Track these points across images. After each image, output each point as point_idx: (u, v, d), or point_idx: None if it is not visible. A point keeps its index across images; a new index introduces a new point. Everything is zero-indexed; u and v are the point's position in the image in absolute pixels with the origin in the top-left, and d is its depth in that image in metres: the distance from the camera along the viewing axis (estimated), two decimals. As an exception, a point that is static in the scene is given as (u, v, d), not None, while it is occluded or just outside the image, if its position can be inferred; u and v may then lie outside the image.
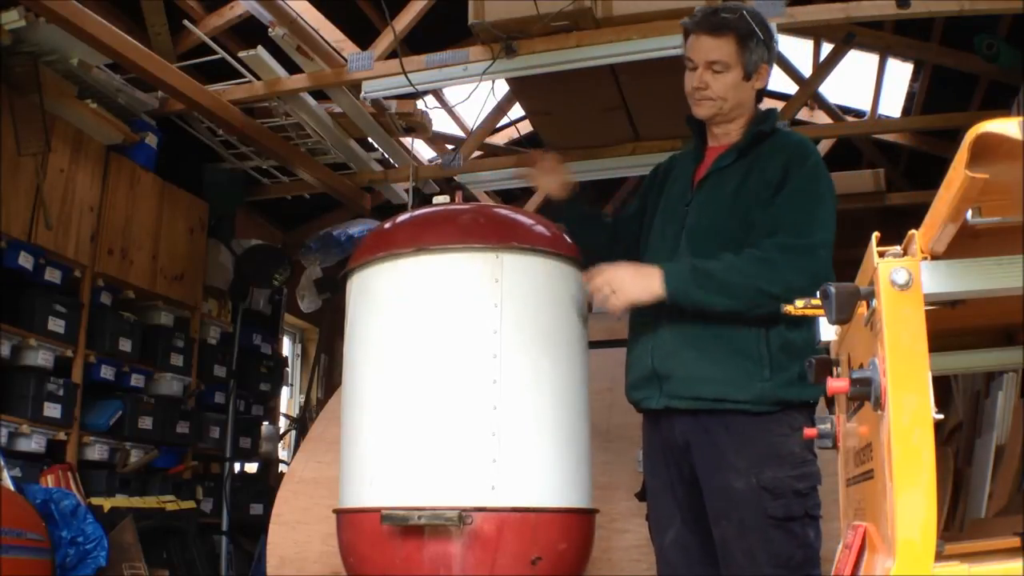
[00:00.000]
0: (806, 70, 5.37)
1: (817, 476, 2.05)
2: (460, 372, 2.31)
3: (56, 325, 3.94)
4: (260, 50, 4.10)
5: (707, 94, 2.18)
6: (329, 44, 4.20)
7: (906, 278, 0.97)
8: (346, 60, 4.21)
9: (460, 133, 5.96)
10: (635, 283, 2.09)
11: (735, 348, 2.08)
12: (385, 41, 4.19)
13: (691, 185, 2.26)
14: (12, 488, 3.32)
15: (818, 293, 1.13)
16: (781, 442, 2.03)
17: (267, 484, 5.48)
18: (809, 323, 1.68)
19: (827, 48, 5.18)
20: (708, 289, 2.04)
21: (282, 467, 5.76)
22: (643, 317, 2.24)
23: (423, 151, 5.85)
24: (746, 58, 2.16)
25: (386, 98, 4.50)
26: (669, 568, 2.20)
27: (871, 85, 5.57)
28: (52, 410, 3.85)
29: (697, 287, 2.04)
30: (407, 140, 5.28)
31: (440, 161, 5.23)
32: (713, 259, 2.07)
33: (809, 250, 2.03)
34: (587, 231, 2.48)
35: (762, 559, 1.99)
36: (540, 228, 2.50)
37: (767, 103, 5.83)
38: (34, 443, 3.76)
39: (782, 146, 2.19)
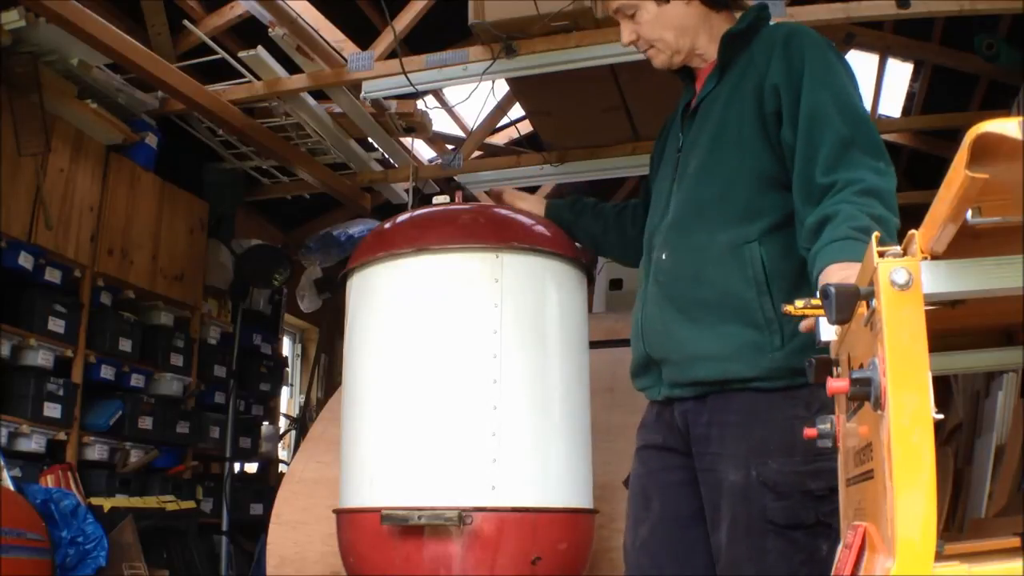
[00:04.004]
0: (806, 70, 5.37)
1: (835, 474, 1.46)
2: (460, 372, 2.31)
3: (56, 325, 3.93)
4: (260, 50, 4.10)
5: (644, 43, 1.93)
6: (329, 44, 4.19)
7: (906, 278, 0.97)
8: (346, 60, 4.21)
9: (460, 133, 5.96)
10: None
11: (732, 313, 1.72)
12: (385, 41, 4.19)
13: (680, 126, 1.98)
14: (12, 488, 3.32)
15: (818, 293, 1.13)
16: (793, 426, 1.59)
17: (267, 484, 5.48)
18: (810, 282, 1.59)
19: (827, 48, 5.17)
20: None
21: (282, 467, 5.76)
22: (639, 285, 1.98)
23: (423, 151, 5.85)
24: None
25: (386, 98, 4.49)
26: (636, 570, 1.86)
27: (871, 85, 5.57)
28: (52, 410, 3.84)
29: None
30: (407, 140, 5.27)
31: (440, 161, 5.23)
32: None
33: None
34: (582, 221, 2.38)
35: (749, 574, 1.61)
36: (540, 228, 2.50)
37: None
38: (34, 443, 3.76)
39: (770, 41, 1.83)
